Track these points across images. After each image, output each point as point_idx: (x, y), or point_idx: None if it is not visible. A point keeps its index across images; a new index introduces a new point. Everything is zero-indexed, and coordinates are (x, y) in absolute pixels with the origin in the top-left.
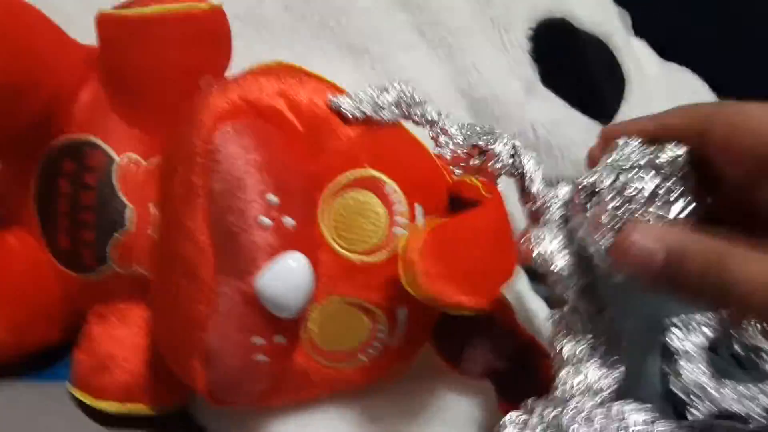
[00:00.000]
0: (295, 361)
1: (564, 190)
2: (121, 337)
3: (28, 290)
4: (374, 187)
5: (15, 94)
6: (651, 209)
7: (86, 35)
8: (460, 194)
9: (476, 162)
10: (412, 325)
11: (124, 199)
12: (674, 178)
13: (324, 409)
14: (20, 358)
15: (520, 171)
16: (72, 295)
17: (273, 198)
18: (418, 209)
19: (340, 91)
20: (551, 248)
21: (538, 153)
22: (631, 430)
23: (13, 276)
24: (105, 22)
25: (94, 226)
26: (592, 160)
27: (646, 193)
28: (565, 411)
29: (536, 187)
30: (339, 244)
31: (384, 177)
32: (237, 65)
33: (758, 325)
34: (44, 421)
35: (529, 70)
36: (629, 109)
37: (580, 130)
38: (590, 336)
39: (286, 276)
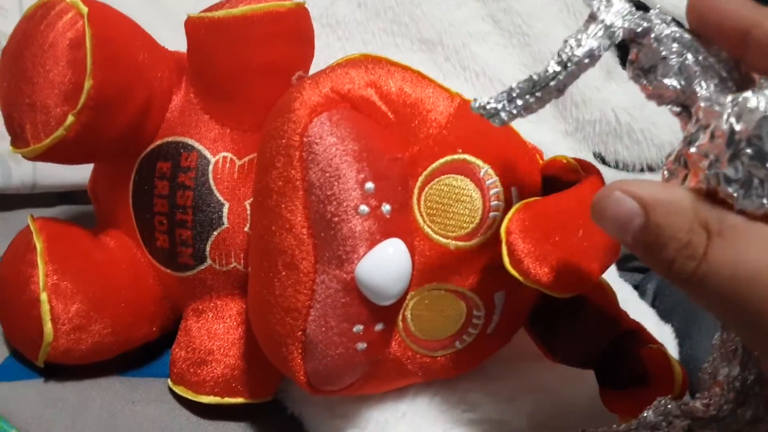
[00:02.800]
0: (390, 349)
1: None
2: (218, 332)
3: (129, 292)
4: (468, 171)
5: (112, 103)
6: None
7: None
8: (553, 175)
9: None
10: (509, 310)
11: (220, 197)
12: None
13: (417, 397)
14: (125, 355)
15: None
16: (170, 292)
17: (370, 186)
18: (514, 192)
19: (426, 78)
20: None
21: (621, 138)
22: None
23: (114, 278)
24: (194, 26)
25: (191, 225)
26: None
27: None
28: None
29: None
30: (434, 230)
31: (478, 161)
32: (314, 64)
33: None
34: (143, 415)
35: (607, 54)
36: None
37: (662, 112)
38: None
39: (386, 263)
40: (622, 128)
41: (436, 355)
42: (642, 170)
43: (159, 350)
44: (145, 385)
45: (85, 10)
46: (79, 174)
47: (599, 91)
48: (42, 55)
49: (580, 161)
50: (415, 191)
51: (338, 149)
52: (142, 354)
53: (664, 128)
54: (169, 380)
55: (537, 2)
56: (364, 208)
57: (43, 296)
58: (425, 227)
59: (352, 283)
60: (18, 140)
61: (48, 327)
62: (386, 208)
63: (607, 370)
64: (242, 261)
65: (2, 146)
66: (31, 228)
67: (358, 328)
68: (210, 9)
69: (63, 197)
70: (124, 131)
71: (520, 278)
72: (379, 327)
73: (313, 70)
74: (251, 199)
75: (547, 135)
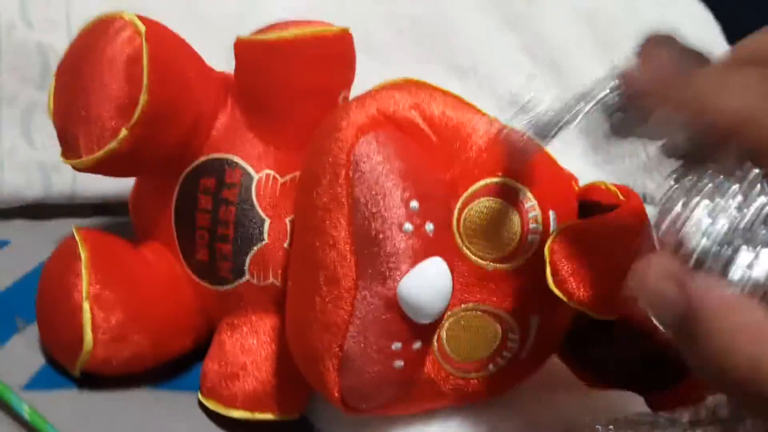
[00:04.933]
0: (425, 369)
1: None
2: (251, 347)
3: (166, 303)
4: (507, 194)
5: (164, 119)
6: None
7: None
8: (590, 199)
9: None
10: (543, 335)
11: (262, 213)
12: None
13: (448, 421)
14: (155, 367)
15: None
16: (206, 306)
17: (415, 204)
18: (552, 216)
19: (467, 103)
20: None
21: (650, 173)
22: None
23: (152, 290)
24: (244, 47)
25: (232, 240)
26: None
27: None
28: None
29: None
30: (472, 251)
31: (517, 184)
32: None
33: None
34: (173, 429)
35: None
36: None
37: None
38: None
39: (428, 281)
40: (651, 163)
41: (469, 377)
42: None
43: (187, 364)
44: (176, 398)
45: (142, 28)
46: (117, 186)
47: None
48: (100, 70)
49: (619, 187)
50: (455, 212)
51: (385, 168)
52: (171, 367)
53: None
54: (199, 393)
55: (571, 36)
56: (408, 226)
57: (85, 305)
58: (463, 248)
59: (394, 300)
60: (70, 151)
61: (88, 335)
62: (430, 227)
63: (651, 384)
64: (280, 277)
65: (44, 156)
66: (76, 238)
67: (397, 345)
68: (260, 32)
69: (97, 208)
70: (173, 146)
71: (564, 298)
72: (417, 345)
73: (352, 93)
74: (292, 216)
75: (577, 164)
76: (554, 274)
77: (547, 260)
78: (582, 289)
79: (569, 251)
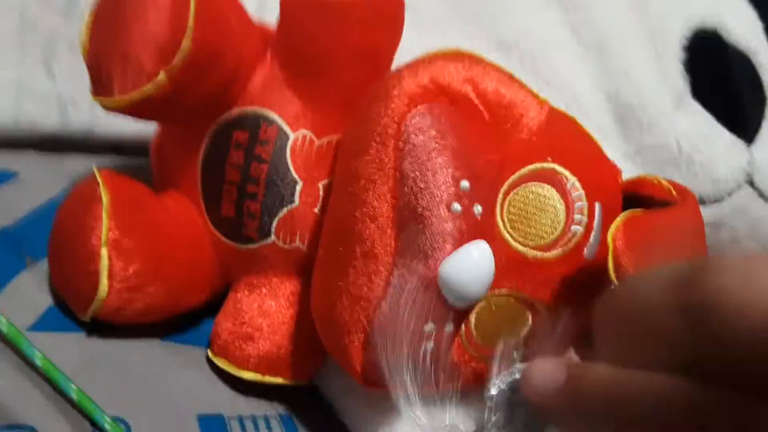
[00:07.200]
0: (450, 352)
1: None
2: (270, 310)
3: (185, 257)
4: (555, 181)
5: (204, 66)
6: None
7: None
8: (638, 193)
9: None
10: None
11: (295, 175)
12: None
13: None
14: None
15: None
16: (225, 263)
17: (466, 184)
18: (597, 207)
19: (518, 81)
20: None
21: (679, 167)
22: None
23: (172, 242)
24: (292, 3)
25: (261, 199)
26: None
27: None
28: None
29: None
30: (513, 237)
31: (566, 172)
32: None
33: None
34: (180, 381)
35: (680, 81)
36: None
37: (724, 148)
38: None
39: (471, 264)
40: (682, 157)
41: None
42: None
43: (196, 318)
44: (185, 352)
45: None
46: (135, 126)
47: (666, 117)
48: (144, 8)
49: (673, 184)
50: (500, 195)
51: (438, 143)
52: (180, 320)
53: (722, 165)
54: (209, 351)
55: (619, 20)
56: (457, 206)
57: (104, 251)
58: (505, 233)
59: (434, 281)
60: (102, 89)
61: (104, 283)
62: (478, 209)
63: None
64: (306, 242)
65: (63, 89)
66: (98, 179)
67: (430, 327)
68: None
69: (112, 147)
70: (209, 95)
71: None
72: (448, 328)
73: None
74: (325, 180)
75: (606, 154)
76: (615, 260)
77: (610, 247)
78: None
79: (631, 240)
